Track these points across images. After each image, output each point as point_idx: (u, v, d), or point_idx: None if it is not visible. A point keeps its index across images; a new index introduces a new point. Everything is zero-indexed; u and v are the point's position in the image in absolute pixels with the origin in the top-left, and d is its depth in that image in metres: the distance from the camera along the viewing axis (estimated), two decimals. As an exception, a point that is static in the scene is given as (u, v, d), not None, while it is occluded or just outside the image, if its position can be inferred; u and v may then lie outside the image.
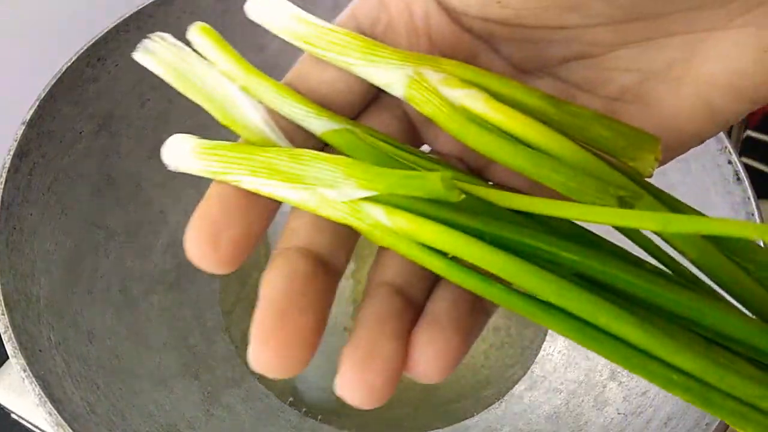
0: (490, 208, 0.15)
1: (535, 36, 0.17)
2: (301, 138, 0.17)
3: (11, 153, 0.31)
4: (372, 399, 0.14)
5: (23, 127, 0.31)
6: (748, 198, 0.32)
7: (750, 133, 0.48)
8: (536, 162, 0.15)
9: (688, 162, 0.35)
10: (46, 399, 0.27)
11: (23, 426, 0.38)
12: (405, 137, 0.18)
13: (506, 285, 0.14)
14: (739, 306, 0.15)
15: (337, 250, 0.16)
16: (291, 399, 0.37)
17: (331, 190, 0.15)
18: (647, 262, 0.16)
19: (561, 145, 0.16)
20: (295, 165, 0.15)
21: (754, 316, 0.15)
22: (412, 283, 0.16)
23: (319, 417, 0.36)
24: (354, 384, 0.14)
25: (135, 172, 0.37)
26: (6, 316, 0.28)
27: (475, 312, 0.15)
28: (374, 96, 0.18)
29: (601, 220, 0.14)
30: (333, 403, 0.37)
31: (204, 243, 0.15)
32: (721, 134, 0.33)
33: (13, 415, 0.38)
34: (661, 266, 0.16)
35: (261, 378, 0.37)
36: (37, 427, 0.37)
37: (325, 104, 0.17)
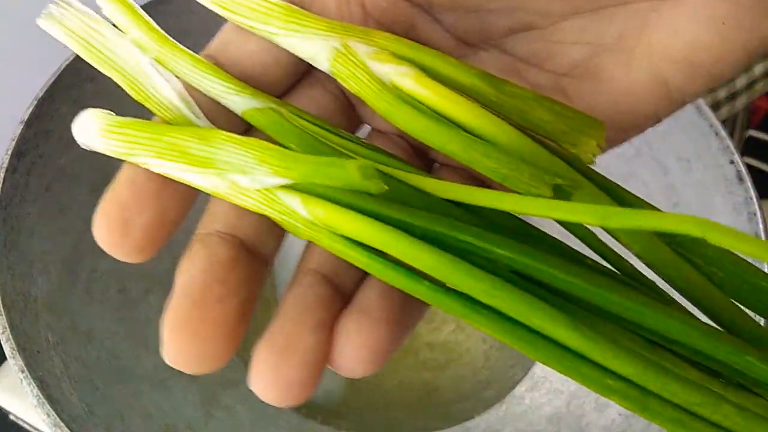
0: (424, 198, 0.14)
1: (475, 4, 0.16)
2: (224, 118, 0.15)
3: (9, 152, 0.31)
4: (288, 396, 0.13)
5: (21, 127, 0.31)
6: (750, 198, 0.32)
7: (752, 132, 0.48)
8: (467, 146, 0.14)
9: (690, 162, 0.34)
10: (45, 400, 0.27)
11: (21, 427, 0.38)
12: (340, 115, 0.17)
13: (436, 282, 0.13)
14: (689, 304, 0.15)
15: (263, 236, 0.15)
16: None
17: (244, 177, 0.14)
18: (589, 258, 0.15)
19: (496, 128, 0.14)
20: (205, 148, 0.14)
21: (704, 315, 0.15)
22: (342, 270, 0.15)
23: (319, 418, 0.36)
24: (268, 380, 0.13)
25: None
26: (4, 316, 0.28)
27: (410, 303, 0.14)
28: (306, 70, 0.16)
29: (536, 212, 0.13)
30: (333, 404, 0.37)
31: (113, 229, 0.13)
32: (723, 134, 0.33)
33: (11, 416, 0.38)
34: (604, 262, 0.15)
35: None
36: (35, 427, 0.37)
37: (249, 79, 0.16)
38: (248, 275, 0.14)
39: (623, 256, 0.15)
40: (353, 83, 0.15)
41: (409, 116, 0.15)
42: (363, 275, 0.15)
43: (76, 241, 0.34)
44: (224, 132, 0.14)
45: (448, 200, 0.14)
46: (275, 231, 0.15)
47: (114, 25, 0.15)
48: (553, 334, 0.13)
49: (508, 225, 0.15)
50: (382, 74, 0.15)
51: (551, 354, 0.13)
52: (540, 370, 0.37)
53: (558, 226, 0.15)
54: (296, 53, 0.15)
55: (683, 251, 0.15)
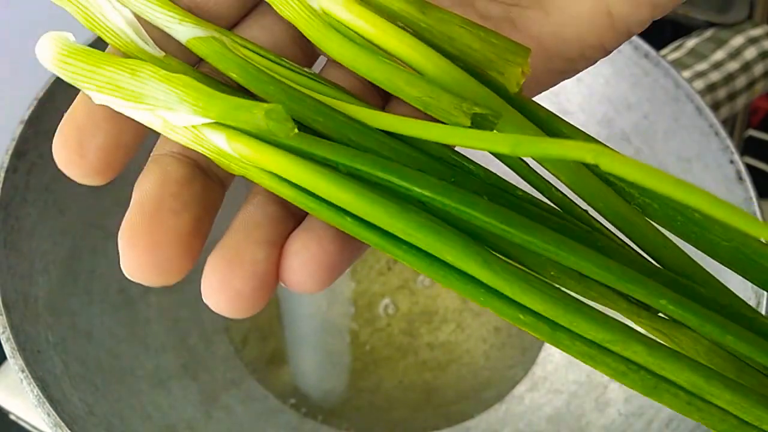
0: (358, 128, 0.14)
1: None
2: (173, 46, 0.15)
3: (9, 152, 0.31)
4: (239, 307, 0.14)
5: (21, 127, 0.31)
6: (750, 198, 0.32)
7: (752, 132, 0.48)
8: (392, 74, 0.15)
9: (690, 162, 0.34)
10: (45, 400, 0.27)
11: (22, 427, 0.38)
12: (294, 45, 0.17)
13: (360, 218, 0.14)
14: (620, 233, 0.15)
15: None
16: (293, 401, 0.36)
17: (170, 113, 0.14)
18: (521, 189, 0.15)
19: (422, 56, 0.15)
20: (135, 82, 0.14)
21: (637, 246, 0.15)
22: None
23: (320, 418, 0.36)
24: (218, 289, 0.13)
25: (133, 172, 0.37)
26: (4, 316, 0.28)
27: None
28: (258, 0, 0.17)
29: (451, 141, 0.13)
30: (334, 403, 0.37)
31: (70, 149, 0.14)
32: (723, 134, 0.33)
33: (11, 416, 0.38)
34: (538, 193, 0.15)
35: (261, 379, 0.37)
36: (35, 427, 0.37)
37: (198, 9, 0.16)
38: (203, 192, 0.14)
39: (557, 187, 0.15)
40: (286, 10, 0.15)
41: (337, 44, 0.15)
42: None
43: (76, 241, 0.34)
44: (152, 66, 0.14)
45: (382, 131, 0.14)
46: None
47: None
48: (467, 271, 0.13)
49: (441, 156, 0.15)
50: (313, 1, 0.15)
51: (468, 288, 0.13)
52: (540, 370, 0.37)
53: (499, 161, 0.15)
54: None
55: (616, 181, 0.15)
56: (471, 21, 0.15)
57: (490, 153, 0.14)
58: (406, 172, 0.14)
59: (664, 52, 0.44)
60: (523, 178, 0.15)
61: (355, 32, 0.15)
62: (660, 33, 0.48)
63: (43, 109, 0.32)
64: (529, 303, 0.13)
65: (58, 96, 0.33)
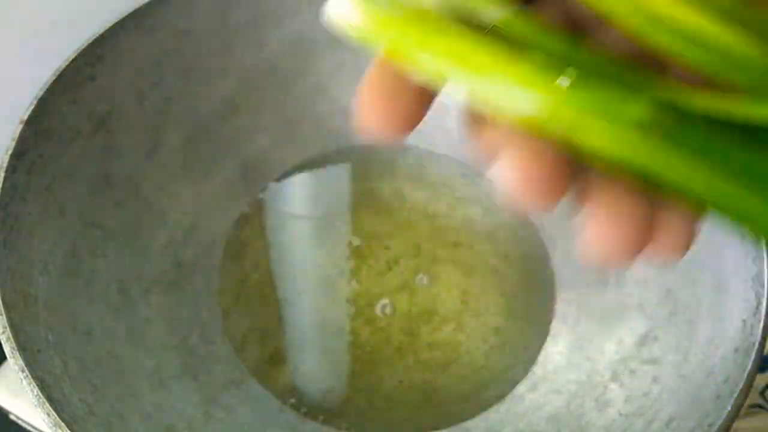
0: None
1: None
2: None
3: (9, 152, 0.31)
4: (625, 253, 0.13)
5: (21, 127, 0.31)
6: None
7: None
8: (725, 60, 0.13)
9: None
10: (45, 400, 0.27)
11: (21, 426, 0.38)
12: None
13: None
14: None
15: None
16: (293, 401, 0.36)
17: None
18: None
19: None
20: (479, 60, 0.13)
21: None
22: None
23: (320, 418, 0.36)
24: (605, 237, 0.13)
25: (133, 172, 0.37)
26: (4, 316, 0.28)
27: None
28: None
29: None
30: (334, 404, 0.37)
31: (378, 101, 0.13)
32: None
33: (11, 416, 0.38)
34: None
35: (261, 379, 0.37)
36: (35, 427, 0.37)
37: None
38: None
39: None
40: (603, 3, 0.14)
41: (663, 35, 0.14)
42: None
43: (76, 241, 0.34)
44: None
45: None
46: None
47: None
48: None
49: None
50: None
51: None
52: (540, 370, 0.37)
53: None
54: None
55: None
56: None
57: None
58: None
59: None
60: None
61: (679, 23, 0.14)
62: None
63: (43, 109, 0.32)
64: None
65: (58, 96, 0.33)
